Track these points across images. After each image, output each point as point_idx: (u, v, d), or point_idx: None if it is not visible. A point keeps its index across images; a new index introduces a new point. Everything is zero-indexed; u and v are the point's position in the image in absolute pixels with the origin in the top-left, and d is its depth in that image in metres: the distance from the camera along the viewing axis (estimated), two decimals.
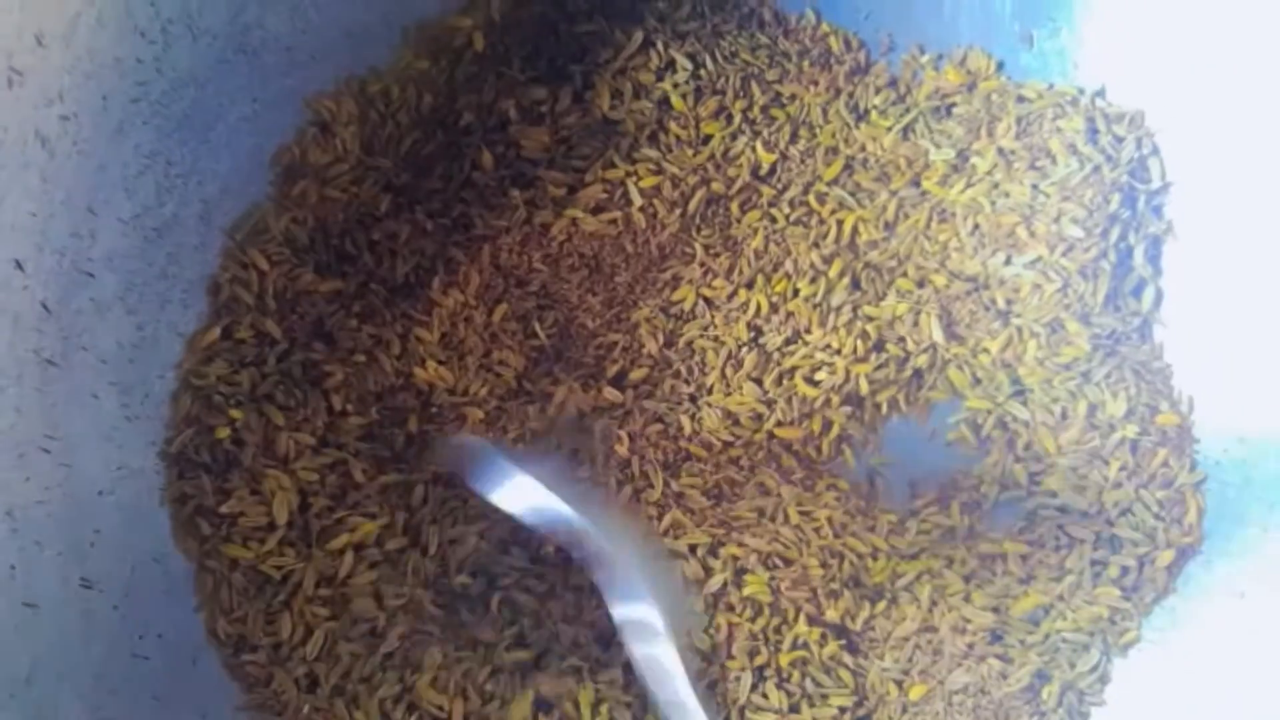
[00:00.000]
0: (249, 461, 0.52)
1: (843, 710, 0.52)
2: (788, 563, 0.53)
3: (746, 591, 0.53)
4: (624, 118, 0.57)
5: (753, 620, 0.52)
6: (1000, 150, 0.57)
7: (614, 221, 0.56)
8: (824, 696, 0.52)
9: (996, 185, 0.57)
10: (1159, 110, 0.56)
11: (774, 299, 0.56)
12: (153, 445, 0.52)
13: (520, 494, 0.50)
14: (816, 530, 0.54)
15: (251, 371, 0.53)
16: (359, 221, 0.56)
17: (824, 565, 0.53)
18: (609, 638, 0.53)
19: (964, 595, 0.54)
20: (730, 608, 0.53)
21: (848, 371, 0.55)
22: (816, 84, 0.58)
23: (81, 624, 0.47)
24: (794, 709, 0.52)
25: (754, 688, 0.52)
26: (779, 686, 0.52)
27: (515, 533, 0.53)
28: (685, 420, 0.55)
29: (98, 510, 0.49)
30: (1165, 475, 0.54)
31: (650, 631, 0.49)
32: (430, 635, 0.51)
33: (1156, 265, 0.57)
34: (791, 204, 0.58)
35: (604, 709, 0.52)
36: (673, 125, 0.58)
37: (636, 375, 0.55)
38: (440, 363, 0.55)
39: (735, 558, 0.53)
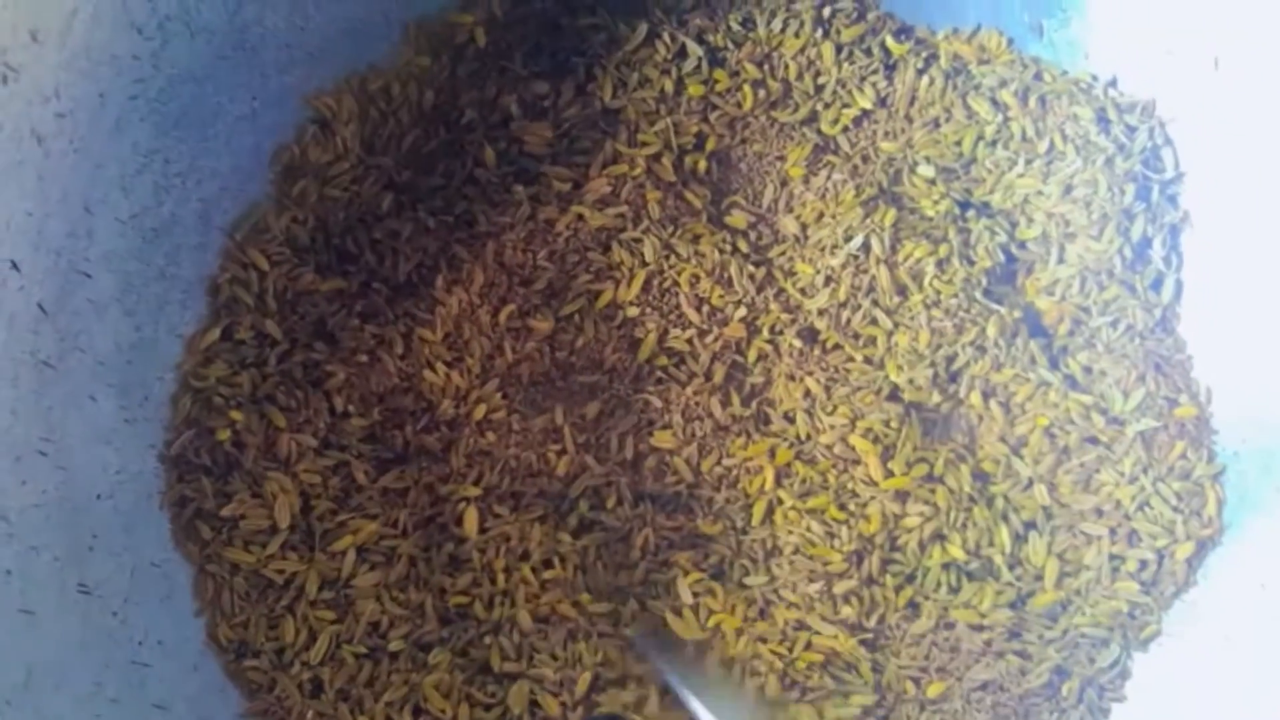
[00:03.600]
0: (250, 464, 0.51)
1: (865, 711, 0.51)
2: (811, 559, 0.53)
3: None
4: (625, 104, 0.56)
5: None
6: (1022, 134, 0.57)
7: (620, 216, 0.55)
8: (845, 695, 0.51)
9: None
10: (1170, 99, 0.56)
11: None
12: (152, 448, 0.51)
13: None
14: (849, 526, 0.53)
15: (252, 373, 0.52)
16: (360, 220, 0.55)
17: (846, 561, 0.52)
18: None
19: (979, 592, 0.53)
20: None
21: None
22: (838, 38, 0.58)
23: (79, 630, 0.46)
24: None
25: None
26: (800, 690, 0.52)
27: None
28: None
29: (96, 514, 0.48)
30: (1183, 468, 0.53)
31: None
32: (434, 636, 0.50)
33: (1175, 256, 0.56)
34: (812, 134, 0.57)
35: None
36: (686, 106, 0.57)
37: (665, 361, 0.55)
38: (448, 365, 0.54)
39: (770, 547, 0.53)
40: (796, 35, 0.57)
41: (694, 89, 0.57)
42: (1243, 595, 0.51)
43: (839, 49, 0.57)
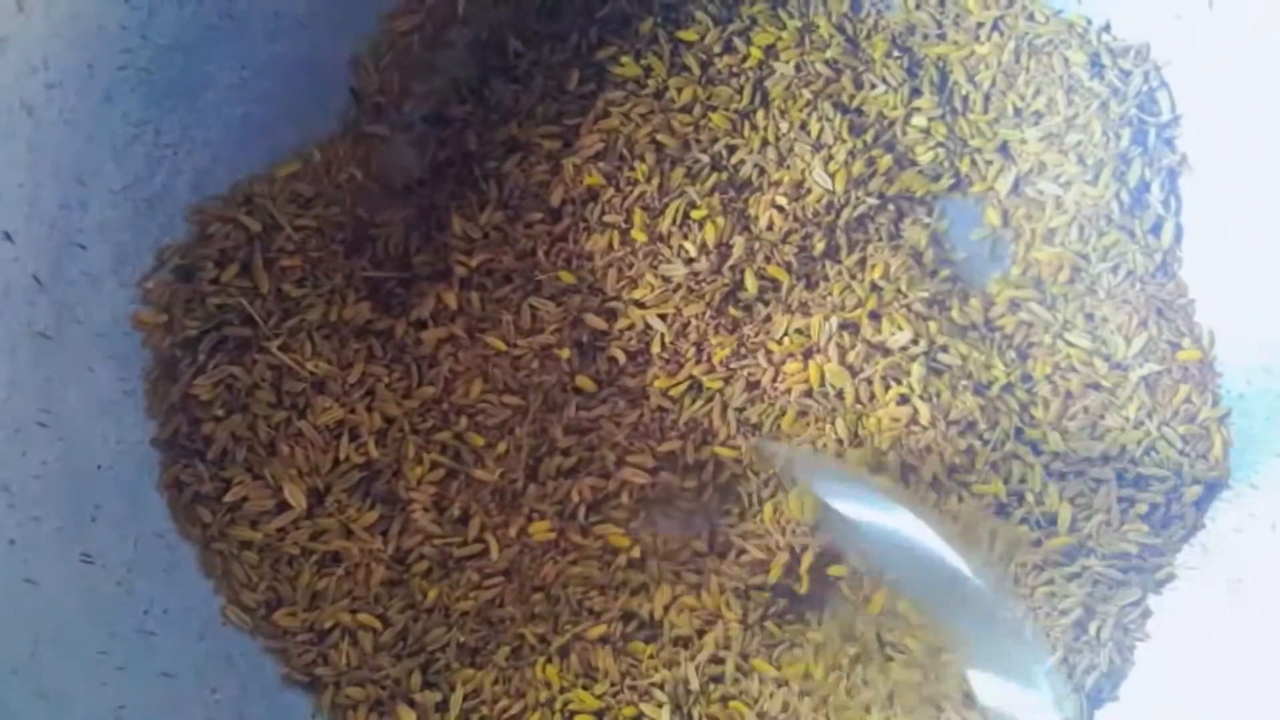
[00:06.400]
0: (244, 454, 0.51)
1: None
2: None
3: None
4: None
5: None
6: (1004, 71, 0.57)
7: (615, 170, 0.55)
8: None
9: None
10: (1164, 43, 0.55)
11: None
12: (153, 420, 0.51)
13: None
14: None
15: None
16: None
17: None
18: None
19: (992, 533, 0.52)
20: None
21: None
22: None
23: (84, 600, 0.46)
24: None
25: None
26: None
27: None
28: None
29: (97, 485, 0.48)
30: (1188, 411, 0.53)
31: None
32: None
33: (1173, 199, 0.55)
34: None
35: None
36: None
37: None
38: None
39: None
40: None
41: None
42: (1253, 537, 0.51)
43: None
